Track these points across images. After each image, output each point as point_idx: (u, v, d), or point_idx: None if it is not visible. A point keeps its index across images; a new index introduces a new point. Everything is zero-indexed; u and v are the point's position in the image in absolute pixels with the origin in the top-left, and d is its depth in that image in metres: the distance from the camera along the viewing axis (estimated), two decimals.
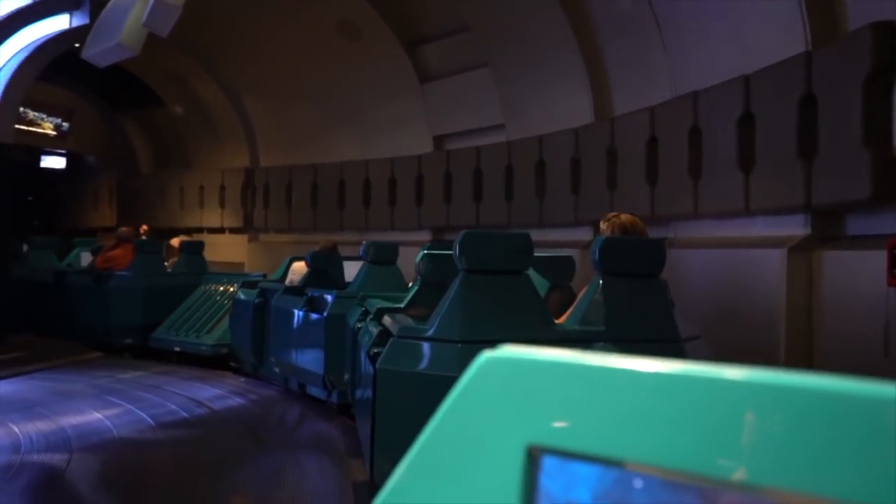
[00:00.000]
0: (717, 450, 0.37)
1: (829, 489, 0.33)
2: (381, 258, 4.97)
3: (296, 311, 5.06)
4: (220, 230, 11.03)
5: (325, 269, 5.43)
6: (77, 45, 8.93)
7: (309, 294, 4.97)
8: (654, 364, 0.41)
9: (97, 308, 7.22)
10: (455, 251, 2.64)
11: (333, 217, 9.25)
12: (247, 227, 10.63)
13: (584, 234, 6.26)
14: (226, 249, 10.47)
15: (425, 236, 7.93)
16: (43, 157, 13.16)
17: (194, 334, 6.66)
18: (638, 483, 0.40)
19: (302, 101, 9.64)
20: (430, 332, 2.57)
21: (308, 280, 5.37)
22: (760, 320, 4.28)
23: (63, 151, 12.93)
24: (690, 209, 4.99)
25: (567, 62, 6.40)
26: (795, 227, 4.22)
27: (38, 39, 7.66)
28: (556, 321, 2.77)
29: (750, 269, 4.43)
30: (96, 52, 5.24)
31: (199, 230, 10.97)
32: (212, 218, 10.99)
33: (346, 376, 4.13)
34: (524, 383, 0.46)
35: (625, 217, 2.92)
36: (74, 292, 7.56)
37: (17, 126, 11.19)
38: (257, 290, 5.92)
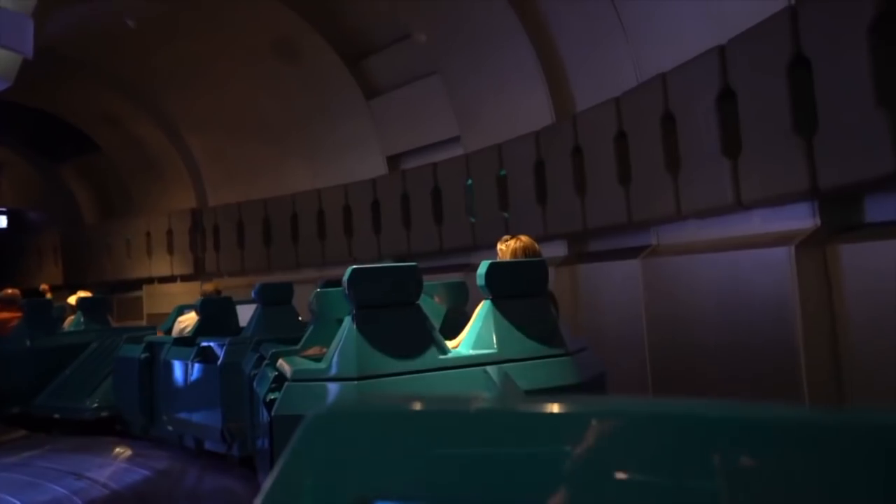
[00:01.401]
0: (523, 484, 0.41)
1: None
2: (274, 299, 4.85)
3: (187, 364, 4.81)
4: (172, 279, 10.28)
5: (215, 316, 5.20)
6: None
7: (200, 344, 4.74)
8: (461, 403, 0.51)
9: None
10: (344, 288, 2.63)
11: (288, 254, 8.61)
12: (198, 272, 9.84)
13: (557, 248, 5.51)
14: (179, 299, 9.58)
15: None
16: None
17: (75, 398, 6.12)
18: None
19: (246, 132, 9.03)
20: (326, 373, 2.55)
21: (199, 329, 5.12)
22: (770, 335, 3.50)
23: (3, 209, 12.32)
24: (672, 210, 4.24)
25: (519, 57, 5.71)
26: (802, 219, 3.46)
27: None
28: (452, 345, 2.82)
29: (752, 273, 3.65)
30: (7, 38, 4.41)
31: (150, 280, 10.37)
32: (161, 266, 10.27)
33: (247, 426, 3.96)
34: (350, 438, 0.49)
35: (524, 239, 3.18)
36: None
37: None
38: (143, 345, 5.50)
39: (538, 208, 5.53)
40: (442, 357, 2.60)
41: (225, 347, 4.51)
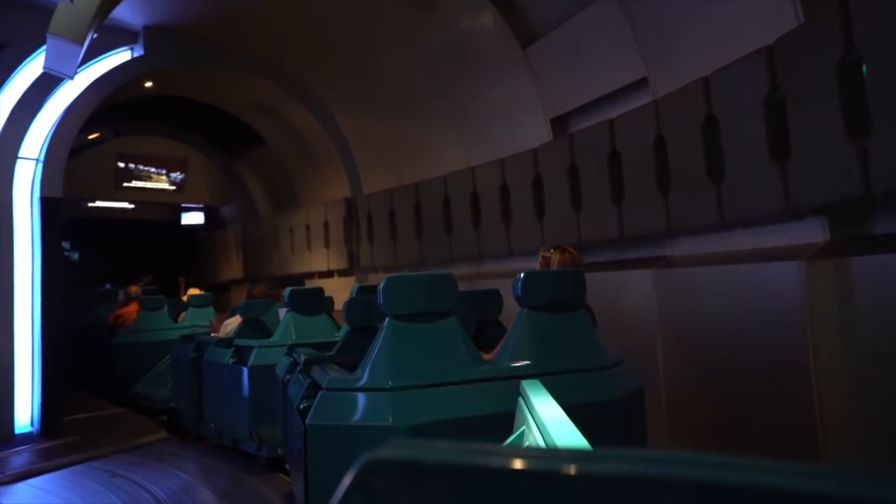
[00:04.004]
0: None
1: None
2: (306, 304, 4.88)
3: (224, 365, 4.90)
4: (329, 273, 9.47)
5: (258, 319, 5.26)
6: (149, 83, 8.55)
7: (235, 345, 4.87)
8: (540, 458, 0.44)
9: (105, 362, 8.00)
10: (379, 297, 2.60)
11: (441, 246, 7.22)
12: (352, 267, 9.02)
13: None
14: (338, 296, 9.26)
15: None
16: (183, 215, 13.71)
17: (157, 389, 6.96)
18: None
19: (391, 106, 7.82)
20: (359, 383, 2.52)
21: (240, 331, 5.21)
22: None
23: (201, 206, 13.26)
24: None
25: None
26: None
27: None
28: (486, 356, 2.79)
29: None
30: (54, 62, 4.68)
31: (311, 275, 9.78)
32: (319, 261, 9.57)
33: (278, 429, 3.98)
34: (407, 485, 0.46)
35: (573, 252, 3.24)
36: (102, 349, 8.25)
37: (129, 184, 11.67)
38: (193, 344, 5.73)
39: (773, 166, 3.65)
40: (476, 368, 2.56)
41: (254, 350, 4.59)
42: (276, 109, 9.22)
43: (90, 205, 12.28)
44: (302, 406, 2.69)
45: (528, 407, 1.83)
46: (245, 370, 4.57)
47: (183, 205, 13.20)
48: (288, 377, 3.40)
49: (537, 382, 2.26)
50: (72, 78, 5.39)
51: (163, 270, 11.83)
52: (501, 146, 6.48)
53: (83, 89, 7.04)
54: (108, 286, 11.86)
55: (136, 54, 7.58)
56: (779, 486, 0.37)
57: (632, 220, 4.86)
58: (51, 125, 6.85)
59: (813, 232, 3.59)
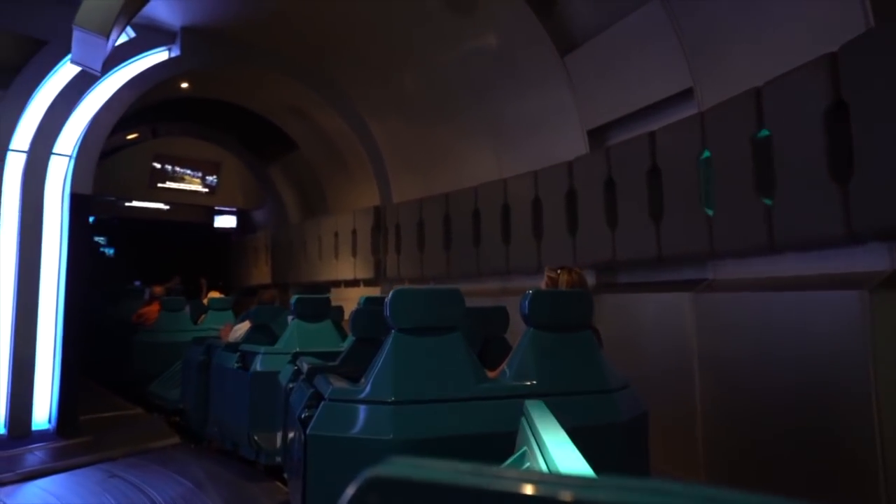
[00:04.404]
0: None
1: None
2: (311, 312, 4.85)
3: (228, 368, 4.90)
4: (355, 283, 9.31)
5: (266, 325, 5.18)
6: (185, 84, 8.55)
7: (241, 350, 4.87)
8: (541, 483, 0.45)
9: (125, 359, 8.23)
10: (385, 310, 2.56)
11: (469, 260, 6.95)
12: (378, 277, 8.80)
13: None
14: None
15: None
16: (216, 217, 13.80)
17: (169, 390, 7.05)
18: None
19: (424, 111, 7.62)
20: (362, 395, 2.48)
21: (248, 336, 5.17)
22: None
23: (233, 209, 13.31)
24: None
25: None
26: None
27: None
28: (491, 374, 2.76)
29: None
30: (80, 55, 4.66)
31: (337, 284, 9.63)
32: (345, 269, 9.38)
33: (277, 437, 3.98)
34: None
35: (579, 272, 3.27)
36: (124, 346, 8.42)
37: (163, 185, 11.79)
38: (203, 348, 5.76)
39: (833, 184, 3.30)
40: (480, 386, 2.51)
41: (258, 356, 4.59)
42: (308, 113, 9.13)
43: (127, 204, 12.45)
44: (304, 415, 2.64)
45: (530, 427, 1.78)
46: (248, 375, 4.56)
47: (216, 208, 13.27)
48: (291, 385, 3.36)
49: (541, 403, 2.23)
50: (98, 72, 5.35)
51: (194, 272, 11.85)
52: (535, 157, 6.19)
53: (118, 88, 7.06)
54: (137, 283, 12.00)
55: (172, 55, 7.59)
56: None
57: (671, 239, 4.54)
58: (85, 123, 6.88)
59: (877, 259, 3.24)
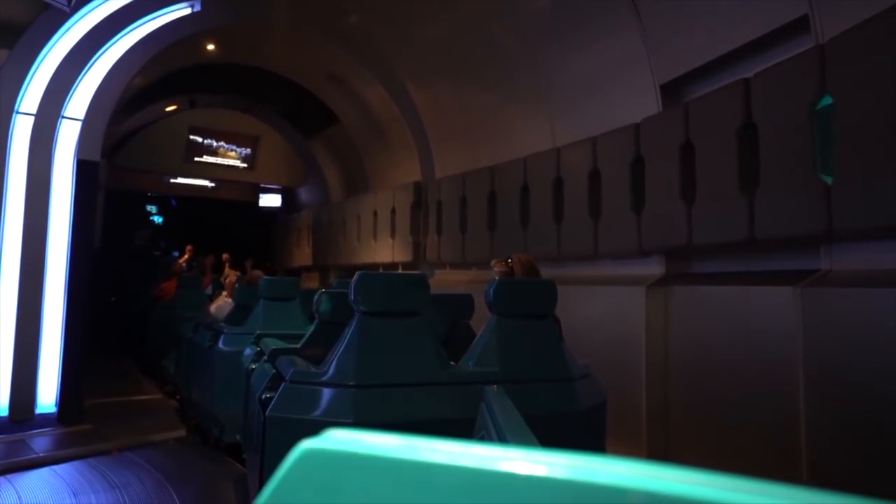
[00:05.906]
0: None
1: None
2: (278, 294, 4.83)
3: (200, 346, 5.04)
4: (394, 266, 8.48)
5: (247, 306, 5.06)
6: (211, 46, 8.20)
7: (212, 329, 4.95)
8: (468, 455, 0.46)
9: (143, 332, 8.54)
10: (350, 293, 2.51)
11: (516, 242, 5.90)
12: (417, 261, 7.93)
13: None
14: None
15: (651, 268, 4.60)
16: (261, 196, 13.43)
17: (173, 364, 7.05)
18: None
19: (469, 74, 6.76)
20: (324, 377, 2.44)
21: (229, 316, 5.19)
22: None
23: (279, 187, 12.88)
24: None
25: None
26: None
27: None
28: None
29: None
30: None
31: (375, 267, 8.66)
32: (384, 251, 8.60)
33: (237, 416, 3.87)
34: (339, 476, 0.49)
35: (525, 257, 3.32)
36: (144, 319, 8.68)
37: (199, 159, 11.36)
38: (192, 324, 5.84)
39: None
40: (442, 371, 2.51)
41: (221, 336, 4.67)
42: (347, 80, 8.42)
43: (172, 181, 12.10)
44: (264, 397, 2.57)
45: (489, 413, 1.77)
46: (215, 354, 4.64)
47: (262, 185, 12.82)
48: (252, 366, 3.29)
49: (501, 390, 2.17)
50: (67, 8, 4.79)
51: (239, 251, 11.34)
52: (595, 122, 5.24)
53: (130, 46, 6.46)
54: (174, 254, 11.78)
55: (195, 10, 6.95)
56: None
57: (769, 217, 3.51)
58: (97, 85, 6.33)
59: None
